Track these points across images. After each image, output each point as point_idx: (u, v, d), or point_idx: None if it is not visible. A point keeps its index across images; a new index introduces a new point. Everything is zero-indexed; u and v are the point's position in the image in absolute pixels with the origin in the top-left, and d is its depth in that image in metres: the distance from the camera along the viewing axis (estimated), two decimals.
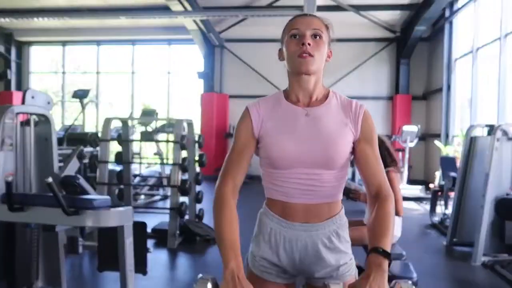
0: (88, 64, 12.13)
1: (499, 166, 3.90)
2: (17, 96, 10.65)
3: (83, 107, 6.70)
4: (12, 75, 11.62)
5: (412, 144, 8.25)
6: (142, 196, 6.80)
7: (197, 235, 4.43)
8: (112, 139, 4.66)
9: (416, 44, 9.45)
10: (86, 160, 4.28)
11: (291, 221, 1.22)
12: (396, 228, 2.83)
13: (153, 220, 4.60)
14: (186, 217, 4.58)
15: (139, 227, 2.83)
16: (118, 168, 5.09)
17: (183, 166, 4.20)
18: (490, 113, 6.65)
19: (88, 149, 4.40)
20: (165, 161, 7.23)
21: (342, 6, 8.34)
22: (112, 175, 4.79)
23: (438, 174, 7.95)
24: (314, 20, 1.20)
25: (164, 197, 7.13)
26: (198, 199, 4.84)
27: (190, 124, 4.70)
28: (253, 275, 1.26)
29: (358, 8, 8.74)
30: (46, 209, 2.09)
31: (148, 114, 7.08)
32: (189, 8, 8.10)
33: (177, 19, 8.66)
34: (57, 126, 3.24)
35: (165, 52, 11.54)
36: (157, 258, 3.85)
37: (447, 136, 8.61)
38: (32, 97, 2.70)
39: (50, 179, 1.91)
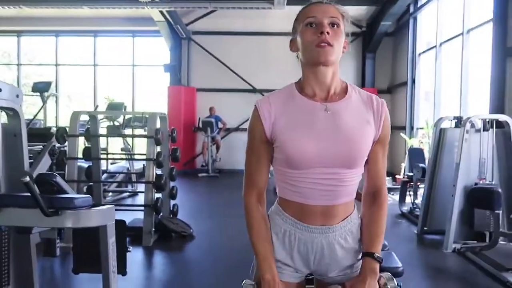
0: (46, 55, 11.51)
1: (468, 157, 4.06)
2: None
3: (44, 101, 6.34)
4: None
5: None
6: (110, 193, 6.55)
7: (173, 232, 4.32)
8: (81, 134, 4.43)
9: (381, 39, 9.68)
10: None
11: (307, 223, 1.16)
12: None
13: (124, 218, 4.42)
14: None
15: (118, 225, 2.70)
16: (85, 164, 4.87)
17: (158, 161, 4.06)
18: (453, 106, 6.92)
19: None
20: (133, 156, 6.99)
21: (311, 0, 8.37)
22: (80, 172, 4.57)
23: (403, 165, 8.23)
24: (331, 8, 1.14)
25: (133, 194, 6.92)
26: (172, 194, 4.73)
27: (163, 118, 4.55)
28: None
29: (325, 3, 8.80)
30: (22, 210, 1.93)
31: (116, 108, 6.81)
32: None
33: (141, 9, 8.36)
34: None
35: (129, 44, 11.14)
36: (132, 257, 3.69)
37: (411, 128, 8.90)
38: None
39: (27, 178, 1.76)
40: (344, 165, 1.12)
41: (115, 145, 9.23)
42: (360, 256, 1.20)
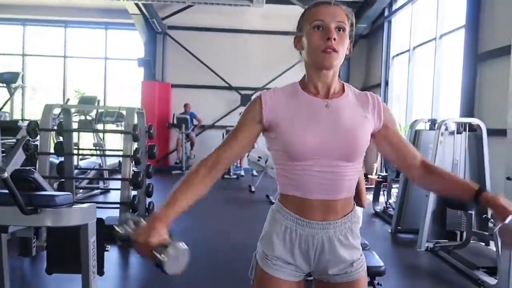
0: (12, 45, 10.99)
1: (442, 158, 4.19)
2: None
3: (12, 93, 6.06)
4: None
5: None
6: (81, 190, 6.34)
7: None
8: (54, 129, 4.25)
9: (356, 41, 9.83)
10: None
11: (308, 219, 1.17)
12: (360, 219, 2.92)
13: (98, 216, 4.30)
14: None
15: (96, 224, 2.61)
16: (55, 160, 4.69)
17: (135, 158, 3.96)
18: (425, 108, 7.13)
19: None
20: (106, 152, 6.79)
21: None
22: (50, 168, 4.39)
23: (376, 165, 8.41)
24: (338, 11, 1.15)
25: (105, 191, 6.73)
26: (148, 192, 4.62)
27: (140, 114, 4.44)
28: (267, 275, 1.21)
29: (304, 3, 8.85)
30: None
31: (88, 102, 6.59)
32: None
33: (115, 1, 8.14)
34: None
35: (101, 37, 10.81)
36: (108, 256, 3.59)
37: None
38: None
39: (5, 174, 1.67)
40: (344, 157, 1.15)
41: (85, 140, 8.96)
42: (360, 255, 1.21)
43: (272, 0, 7.65)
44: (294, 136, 1.13)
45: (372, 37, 10.00)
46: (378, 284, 2.71)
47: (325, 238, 1.18)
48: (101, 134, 6.97)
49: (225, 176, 8.96)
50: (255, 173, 9.05)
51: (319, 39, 1.13)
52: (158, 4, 8.74)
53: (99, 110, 6.49)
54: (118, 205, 4.01)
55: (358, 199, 2.66)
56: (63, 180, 4.34)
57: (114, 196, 6.12)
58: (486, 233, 3.67)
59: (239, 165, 9.51)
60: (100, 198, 6.35)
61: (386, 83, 8.97)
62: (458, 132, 4.20)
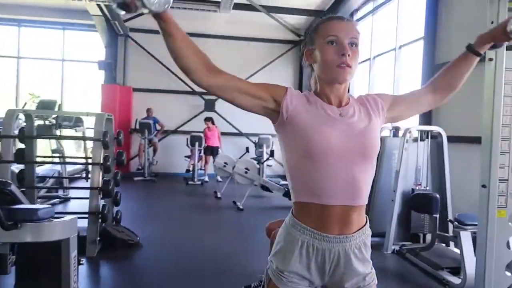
0: None
1: (406, 164, 4.39)
2: None
3: None
4: None
5: None
6: (39, 199, 6.01)
7: (119, 240, 4.10)
8: (16, 136, 4.02)
9: None
10: None
11: (326, 233, 1.18)
12: None
13: None
14: None
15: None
16: (15, 168, 4.44)
17: (105, 165, 3.83)
18: None
19: None
20: (66, 159, 6.50)
21: (255, 6, 8.48)
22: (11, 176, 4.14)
23: None
24: (351, 26, 1.19)
25: (65, 199, 6.43)
26: (116, 201, 4.48)
27: (109, 119, 4.30)
28: None
29: (269, 10, 8.99)
30: None
31: (48, 106, 6.28)
32: None
33: (73, 1, 7.82)
34: None
35: (59, 37, 10.35)
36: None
37: None
38: None
39: None
40: (362, 158, 1.18)
41: (42, 146, 8.54)
42: (371, 268, 1.25)
43: (238, 6, 7.68)
44: (318, 134, 1.15)
45: None
46: None
47: (342, 251, 1.19)
48: (61, 140, 6.65)
49: (189, 182, 8.86)
50: (219, 178, 9.02)
51: (334, 54, 1.16)
52: None
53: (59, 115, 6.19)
54: (86, 215, 3.85)
55: None
56: (23, 189, 4.12)
57: (75, 205, 5.87)
58: (449, 235, 3.88)
59: (203, 168, 9.44)
60: (59, 208, 6.06)
61: (348, 90, 9.25)
62: (421, 140, 4.42)
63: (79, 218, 4.21)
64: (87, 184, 6.63)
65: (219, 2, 6.94)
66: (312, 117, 1.18)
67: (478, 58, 1.32)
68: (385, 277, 3.73)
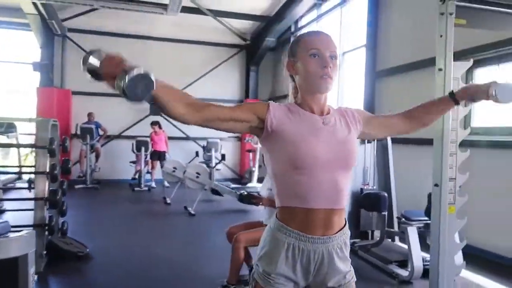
0: None
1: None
2: None
3: None
4: None
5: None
6: None
7: (67, 253, 3.87)
8: None
9: (265, 53, 10.28)
10: None
11: (311, 234, 1.24)
12: None
13: None
14: None
15: None
16: None
17: (52, 174, 3.61)
18: None
19: None
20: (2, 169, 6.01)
21: (202, 10, 8.43)
22: None
23: None
24: (330, 41, 1.27)
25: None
26: (62, 211, 4.23)
27: (54, 126, 4.06)
28: None
29: (216, 14, 8.98)
30: None
31: None
32: None
33: None
34: None
35: None
36: None
37: None
38: None
39: None
40: (343, 166, 1.26)
41: None
42: (350, 266, 1.32)
43: (185, 9, 7.59)
44: (303, 145, 1.21)
45: (279, 50, 10.53)
46: None
47: (325, 252, 1.26)
48: None
49: (136, 189, 8.57)
50: (167, 184, 8.83)
51: (316, 66, 1.23)
52: (58, 4, 8.03)
53: None
54: (31, 228, 3.59)
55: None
56: None
57: (11, 217, 5.43)
58: (396, 231, 4.14)
59: (150, 170, 9.19)
60: None
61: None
62: (368, 142, 4.67)
63: (19, 231, 3.95)
64: (24, 195, 6.21)
65: (166, 5, 6.80)
66: (297, 127, 1.24)
67: (454, 106, 1.44)
68: None
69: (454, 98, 1.40)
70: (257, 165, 9.11)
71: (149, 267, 3.82)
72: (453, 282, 2.22)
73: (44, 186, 3.61)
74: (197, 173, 6.54)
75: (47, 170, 3.61)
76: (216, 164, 8.39)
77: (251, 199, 3.15)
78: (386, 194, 3.97)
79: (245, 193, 3.38)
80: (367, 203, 4.13)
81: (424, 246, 3.68)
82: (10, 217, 5.59)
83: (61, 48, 9.47)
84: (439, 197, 2.02)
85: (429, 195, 2.77)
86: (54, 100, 9.08)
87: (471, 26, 2.24)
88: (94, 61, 1.05)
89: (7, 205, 6.09)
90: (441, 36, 2.14)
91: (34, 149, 3.95)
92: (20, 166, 8.16)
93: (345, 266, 1.31)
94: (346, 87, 7.37)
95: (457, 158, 2.22)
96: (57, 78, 9.42)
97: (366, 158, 4.68)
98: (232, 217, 6.02)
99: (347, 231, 1.33)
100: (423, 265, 3.53)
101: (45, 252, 3.64)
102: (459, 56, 2.41)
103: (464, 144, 2.32)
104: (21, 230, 3.87)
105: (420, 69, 5.05)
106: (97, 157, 9.21)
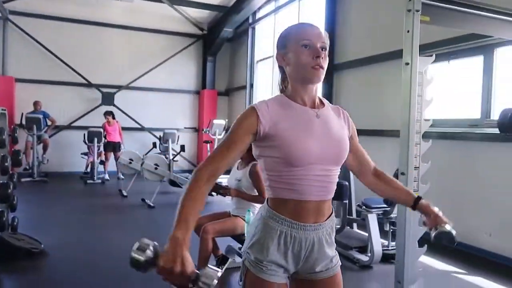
0: None
1: None
2: None
3: None
4: None
5: (220, 136, 8.92)
6: None
7: (20, 250, 3.64)
8: None
9: (222, 43, 10.18)
10: None
11: (302, 222, 1.26)
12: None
13: None
14: None
15: None
16: None
17: (3, 167, 3.37)
18: None
19: None
20: None
21: None
22: None
23: None
24: (321, 33, 1.28)
25: None
26: (12, 206, 3.97)
27: (3, 115, 3.78)
28: (263, 281, 1.26)
29: (171, 1, 8.76)
30: None
31: None
32: None
33: None
34: None
35: None
36: None
37: None
38: None
39: None
40: (335, 162, 1.29)
41: None
42: (335, 251, 1.37)
43: None
44: (296, 144, 1.21)
45: (236, 41, 10.48)
46: None
47: (316, 238, 1.29)
48: None
49: (88, 181, 8.23)
50: (121, 176, 8.56)
51: (308, 56, 1.23)
52: None
53: None
54: None
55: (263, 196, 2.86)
56: None
57: None
58: (356, 218, 4.31)
59: (104, 160, 8.85)
60: None
61: (251, 86, 9.54)
62: None
63: None
64: None
65: None
66: (290, 125, 1.24)
67: (409, 208, 1.46)
68: None
69: (415, 204, 1.41)
70: None
71: (108, 262, 3.69)
72: (416, 263, 2.36)
73: None
74: (156, 164, 6.40)
75: None
76: (175, 155, 8.24)
77: (220, 189, 3.13)
78: (347, 183, 4.10)
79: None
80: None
81: (383, 233, 3.88)
82: None
83: (2, 32, 8.81)
84: (405, 185, 2.13)
85: None
86: None
87: (434, 23, 2.35)
88: (148, 254, 1.03)
89: None
90: (408, 31, 2.24)
91: None
92: None
93: (331, 251, 1.35)
94: None
95: (420, 148, 2.34)
96: None
97: None
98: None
99: (333, 218, 1.37)
100: (382, 250, 3.72)
101: None
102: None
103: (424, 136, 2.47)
104: None
105: (378, 63, 5.25)
106: (44, 148, 8.72)
